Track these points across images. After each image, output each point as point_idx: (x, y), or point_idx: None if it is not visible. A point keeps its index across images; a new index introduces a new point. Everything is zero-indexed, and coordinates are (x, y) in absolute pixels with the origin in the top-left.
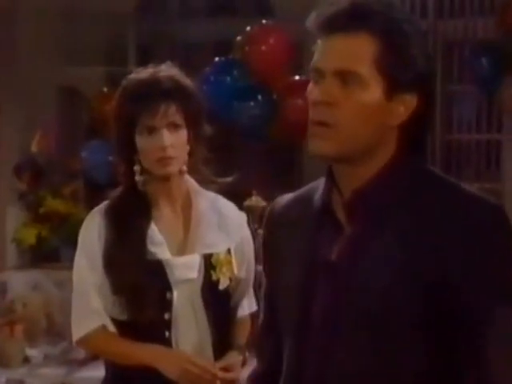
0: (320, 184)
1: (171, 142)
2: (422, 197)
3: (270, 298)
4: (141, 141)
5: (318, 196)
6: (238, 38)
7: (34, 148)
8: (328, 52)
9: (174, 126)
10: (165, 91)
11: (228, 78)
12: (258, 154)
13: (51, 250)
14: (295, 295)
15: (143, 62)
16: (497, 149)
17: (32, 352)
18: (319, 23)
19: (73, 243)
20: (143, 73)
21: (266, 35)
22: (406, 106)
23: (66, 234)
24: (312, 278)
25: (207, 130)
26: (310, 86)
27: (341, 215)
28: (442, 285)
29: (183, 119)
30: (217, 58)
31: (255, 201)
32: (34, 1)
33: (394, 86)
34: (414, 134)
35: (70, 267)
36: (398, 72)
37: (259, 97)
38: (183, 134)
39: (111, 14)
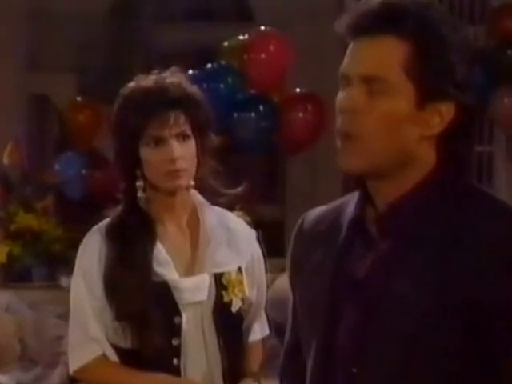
0: (354, 197)
1: (181, 153)
2: (461, 214)
3: (295, 315)
4: (147, 153)
5: (350, 209)
6: (225, 43)
7: (5, 161)
8: (355, 57)
9: (182, 137)
10: (173, 100)
11: (222, 86)
12: (240, 167)
13: (23, 269)
14: (320, 312)
15: (118, 69)
16: (488, 161)
17: (3, 379)
18: (347, 25)
19: (46, 261)
20: (146, 80)
21: (266, 43)
22: (441, 116)
23: (39, 252)
24: (338, 294)
25: (214, 140)
26: (339, 93)
27: (373, 230)
28: (482, 309)
29: (191, 129)
30: (209, 65)
31: (238, 215)
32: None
33: (426, 94)
34: (454, 146)
35: (43, 287)
36: (431, 79)
37: (260, 108)
38: (192, 144)
39: (83, 17)
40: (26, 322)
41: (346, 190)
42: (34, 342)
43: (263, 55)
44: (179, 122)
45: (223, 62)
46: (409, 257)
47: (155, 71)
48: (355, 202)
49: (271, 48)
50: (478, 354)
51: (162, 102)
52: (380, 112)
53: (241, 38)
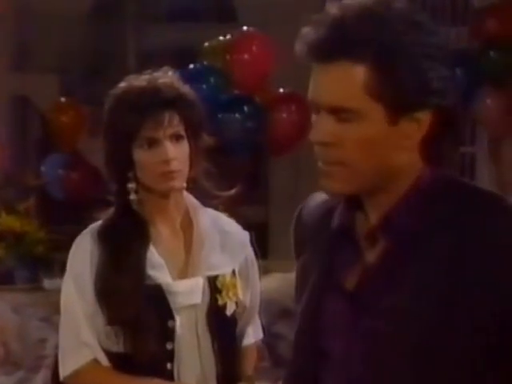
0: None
1: (175, 154)
2: (460, 217)
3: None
4: (140, 155)
5: (337, 213)
6: (206, 44)
7: None
8: (317, 85)
9: (176, 138)
10: (167, 100)
11: (204, 87)
12: (223, 167)
13: (6, 272)
14: (305, 318)
15: (100, 70)
16: (471, 162)
17: None
18: (303, 51)
19: (28, 264)
20: (139, 80)
21: (250, 43)
22: (419, 123)
23: (22, 254)
24: (326, 302)
25: (207, 140)
26: (312, 118)
27: (362, 239)
28: (495, 316)
29: (184, 130)
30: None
31: None
32: None
33: (397, 109)
34: (439, 148)
35: (26, 290)
36: (398, 94)
37: (245, 108)
38: (185, 145)
39: (65, 17)
40: (9, 325)
41: None
42: (17, 346)
43: (246, 56)
44: (173, 122)
45: (206, 63)
46: (408, 270)
47: (148, 71)
48: (341, 209)
49: (254, 48)
50: (492, 363)
51: (156, 102)
52: (353, 140)
53: (222, 38)
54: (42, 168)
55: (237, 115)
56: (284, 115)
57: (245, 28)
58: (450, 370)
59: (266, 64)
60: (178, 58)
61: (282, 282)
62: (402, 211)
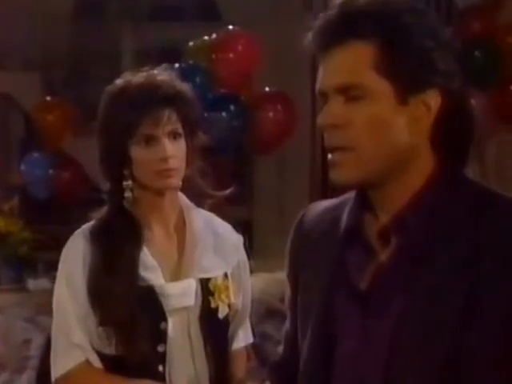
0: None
1: (173, 152)
2: (476, 218)
3: (292, 307)
4: (137, 152)
5: (346, 213)
6: (191, 43)
7: None
8: (326, 70)
9: (173, 135)
10: (165, 97)
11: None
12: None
13: None
14: (315, 319)
15: (83, 68)
16: None
17: None
18: (312, 43)
19: (13, 264)
20: (137, 77)
21: (235, 42)
22: (427, 105)
23: (6, 254)
24: (335, 302)
25: (203, 138)
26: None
27: (373, 239)
28: None
29: (182, 128)
30: (176, 64)
31: None
32: None
33: (405, 89)
34: (449, 140)
35: (10, 290)
36: (405, 72)
37: (231, 107)
38: (183, 143)
39: (48, 14)
40: None
41: (313, 191)
42: (1, 347)
43: (231, 54)
44: (172, 119)
45: (191, 62)
46: (420, 270)
47: (145, 68)
48: (350, 209)
49: (239, 47)
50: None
51: (155, 99)
52: (362, 119)
53: (206, 38)
54: (22, 167)
55: (222, 114)
56: (269, 114)
57: (230, 27)
58: (464, 370)
59: (250, 63)
60: (163, 57)
61: (268, 282)
62: (414, 211)
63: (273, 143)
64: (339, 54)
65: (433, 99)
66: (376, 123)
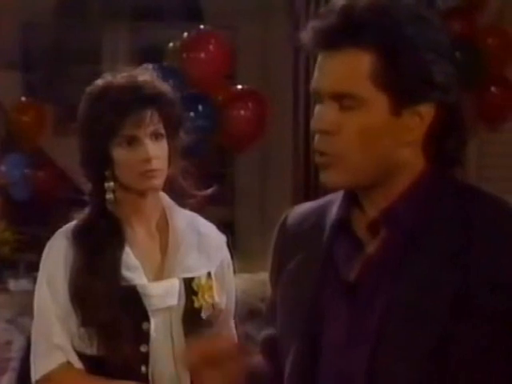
0: (338, 196)
1: (155, 153)
2: (463, 214)
3: (272, 310)
4: (119, 153)
5: (334, 209)
6: (171, 44)
7: None
8: (322, 72)
9: (156, 136)
10: (147, 98)
11: None
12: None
13: None
14: (302, 313)
15: (63, 69)
16: None
17: None
18: (311, 39)
19: None
20: (118, 78)
21: (204, 42)
22: (421, 117)
23: None
24: (325, 295)
25: (184, 138)
26: (316, 108)
27: (361, 233)
28: (498, 313)
29: (164, 128)
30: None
31: None
32: None
33: (400, 101)
34: (442, 145)
35: None
36: (402, 85)
37: (199, 107)
38: (165, 144)
39: (28, 14)
40: None
41: (296, 191)
42: None
43: (202, 54)
44: (154, 120)
45: (165, 63)
46: (407, 260)
47: (126, 68)
48: (340, 202)
49: (210, 47)
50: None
51: (137, 100)
52: (354, 128)
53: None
54: (2, 167)
55: (191, 114)
56: (241, 112)
57: (201, 27)
58: (452, 360)
59: (222, 62)
60: (144, 58)
61: (250, 282)
62: (403, 204)
63: (246, 142)
64: (337, 59)
65: (427, 112)
66: (367, 133)
